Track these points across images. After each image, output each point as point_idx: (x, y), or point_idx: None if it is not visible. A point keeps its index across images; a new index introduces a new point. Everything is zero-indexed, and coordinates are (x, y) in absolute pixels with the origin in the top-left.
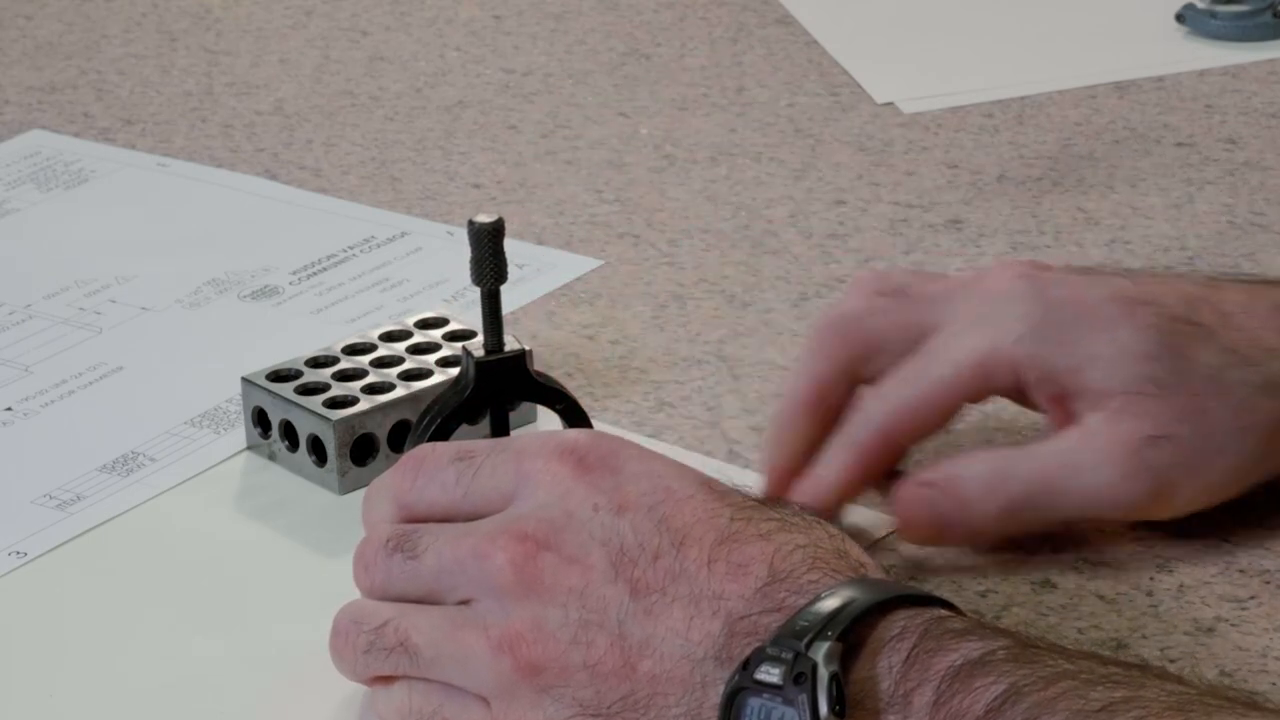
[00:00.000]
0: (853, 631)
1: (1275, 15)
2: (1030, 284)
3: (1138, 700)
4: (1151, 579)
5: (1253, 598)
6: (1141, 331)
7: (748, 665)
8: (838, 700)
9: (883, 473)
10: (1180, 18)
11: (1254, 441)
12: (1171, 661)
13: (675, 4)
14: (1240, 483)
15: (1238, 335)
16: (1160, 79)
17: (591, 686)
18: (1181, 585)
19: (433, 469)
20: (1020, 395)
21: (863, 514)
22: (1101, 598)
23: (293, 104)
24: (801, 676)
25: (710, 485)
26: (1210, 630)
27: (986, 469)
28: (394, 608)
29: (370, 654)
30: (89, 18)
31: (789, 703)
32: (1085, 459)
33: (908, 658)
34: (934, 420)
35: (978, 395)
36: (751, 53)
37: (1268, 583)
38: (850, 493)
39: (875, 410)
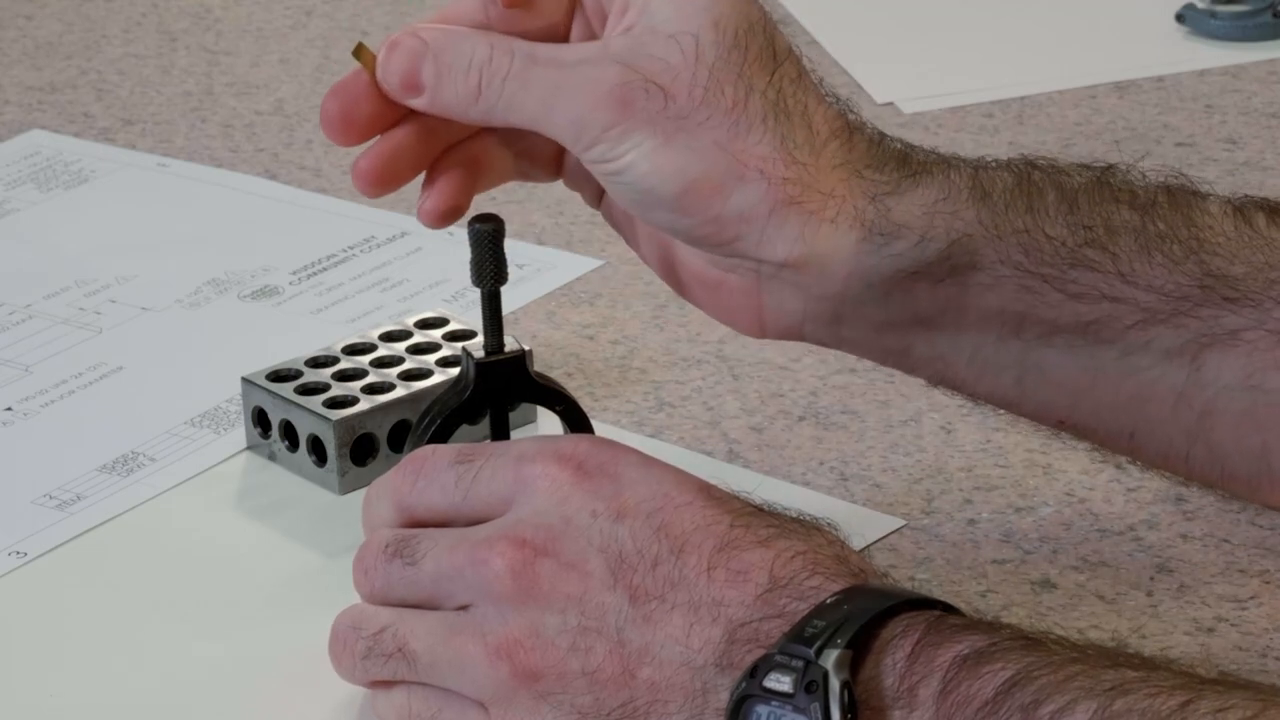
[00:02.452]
0: (859, 638)
1: (1275, 15)
2: None
3: (1149, 680)
4: (1151, 579)
5: (1253, 598)
6: (732, 9)
7: (755, 672)
8: (849, 709)
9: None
10: (1180, 18)
11: (724, 164)
12: (1172, 661)
13: None
14: (685, 194)
15: (791, 82)
16: (1160, 79)
17: (590, 693)
18: (1181, 585)
19: (433, 472)
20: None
21: (863, 514)
22: (1101, 598)
23: (293, 104)
24: (813, 685)
25: (709, 491)
26: (1210, 630)
27: (483, 44)
28: (392, 613)
29: (369, 659)
30: (89, 18)
31: (800, 711)
32: (582, 70)
33: (911, 654)
34: None
35: None
36: None
37: (1268, 583)
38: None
39: None
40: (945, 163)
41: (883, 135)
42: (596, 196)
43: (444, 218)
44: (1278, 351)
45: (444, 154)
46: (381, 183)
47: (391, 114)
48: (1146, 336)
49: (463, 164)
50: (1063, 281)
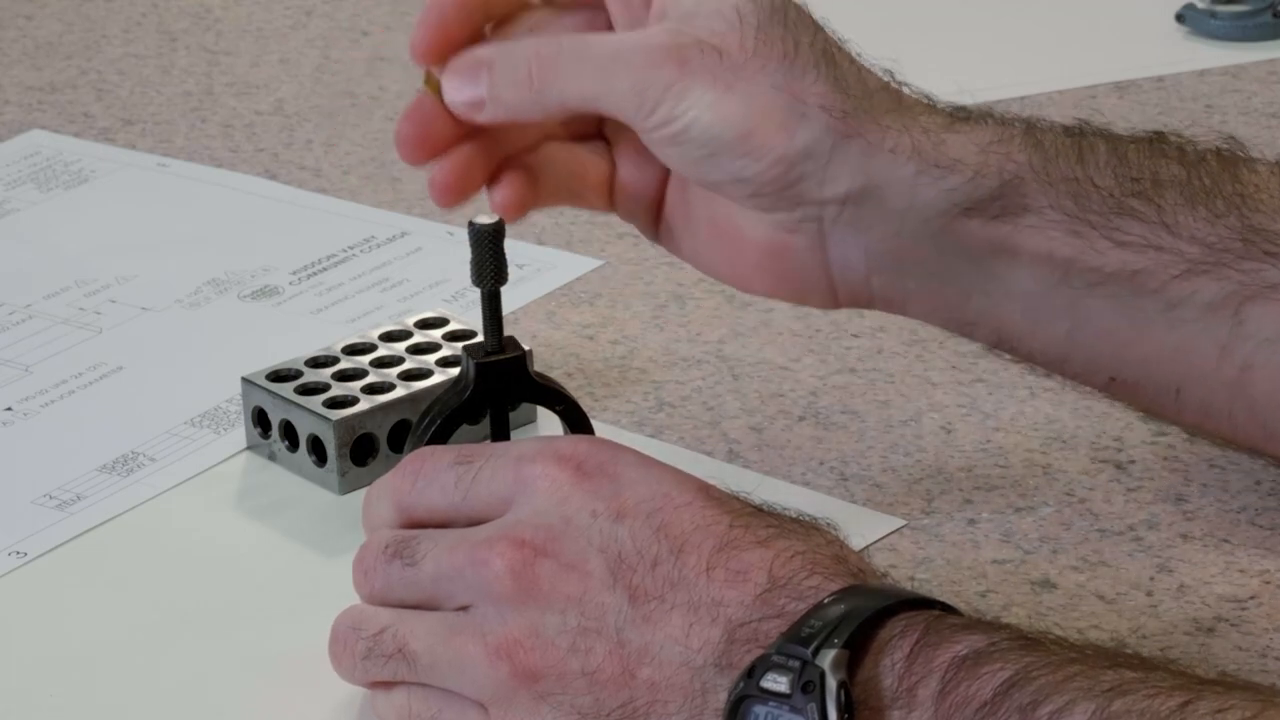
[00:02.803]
0: (856, 638)
1: (1275, 15)
2: None
3: (1148, 680)
4: (1151, 579)
5: (1253, 598)
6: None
7: (752, 673)
8: (846, 709)
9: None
10: (1180, 18)
11: (784, 103)
12: (1171, 662)
13: None
14: (751, 135)
15: (832, 42)
16: (1160, 79)
17: (590, 694)
18: (1181, 585)
19: (432, 472)
20: None
21: (863, 514)
22: (1101, 598)
23: (293, 104)
24: (810, 685)
25: (709, 491)
26: (1210, 630)
27: (531, 41)
28: (392, 614)
29: (369, 660)
30: (89, 18)
31: (797, 711)
32: (635, 41)
33: (909, 654)
34: None
35: None
36: None
37: (1268, 583)
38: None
39: None
40: (998, 115)
41: (930, 96)
42: (652, 221)
43: (514, 209)
44: None
45: (504, 161)
46: (455, 193)
47: (459, 131)
48: (1190, 288)
49: (523, 168)
50: (1109, 229)
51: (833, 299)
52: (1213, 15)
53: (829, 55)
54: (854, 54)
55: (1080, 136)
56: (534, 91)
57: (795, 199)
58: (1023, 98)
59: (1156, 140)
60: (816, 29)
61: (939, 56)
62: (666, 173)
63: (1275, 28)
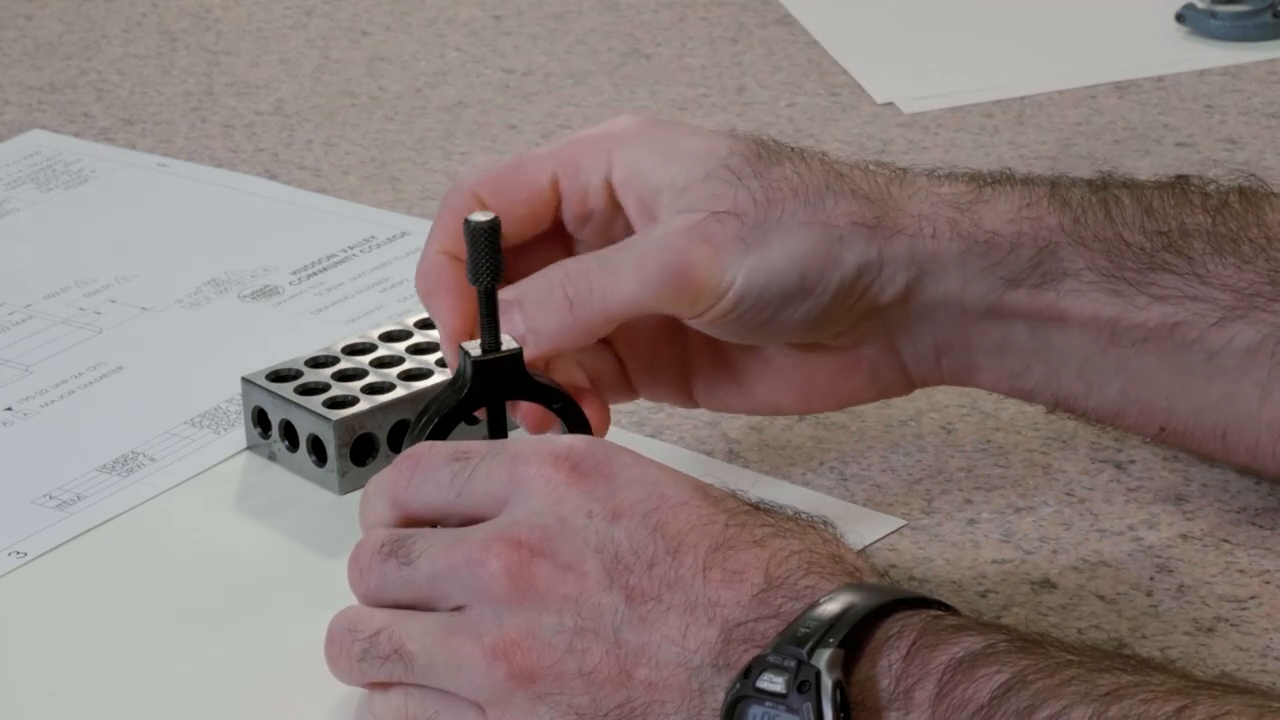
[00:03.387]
0: (853, 637)
1: (1275, 15)
2: (640, 115)
3: (1145, 685)
4: (1151, 579)
5: (1253, 598)
6: (733, 140)
7: (749, 673)
8: (842, 708)
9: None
10: (1180, 18)
11: (820, 234)
12: (1171, 661)
13: (675, 4)
14: (805, 282)
15: (833, 161)
16: (1160, 79)
17: (588, 694)
18: (1181, 585)
19: (428, 469)
20: (616, 206)
21: (863, 514)
22: (1101, 598)
23: (293, 104)
24: (805, 684)
25: (705, 491)
26: (1210, 630)
27: (554, 269)
28: (388, 614)
29: (365, 661)
30: (89, 18)
31: (793, 711)
32: (653, 236)
33: (906, 655)
34: (520, 189)
35: (566, 177)
36: (751, 53)
37: (1268, 583)
38: (451, 251)
39: (467, 173)
40: (1018, 177)
41: (937, 169)
42: (685, 394)
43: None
44: None
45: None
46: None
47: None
48: (1227, 335)
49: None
50: (1145, 284)
51: (908, 388)
52: (1213, 15)
53: (832, 171)
54: (849, 160)
55: (1105, 190)
56: (574, 314)
57: (861, 315)
58: (1023, 98)
59: (1179, 186)
60: (800, 153)
61: (939, 57)
62: (680, 351)
63: (1275, 28)
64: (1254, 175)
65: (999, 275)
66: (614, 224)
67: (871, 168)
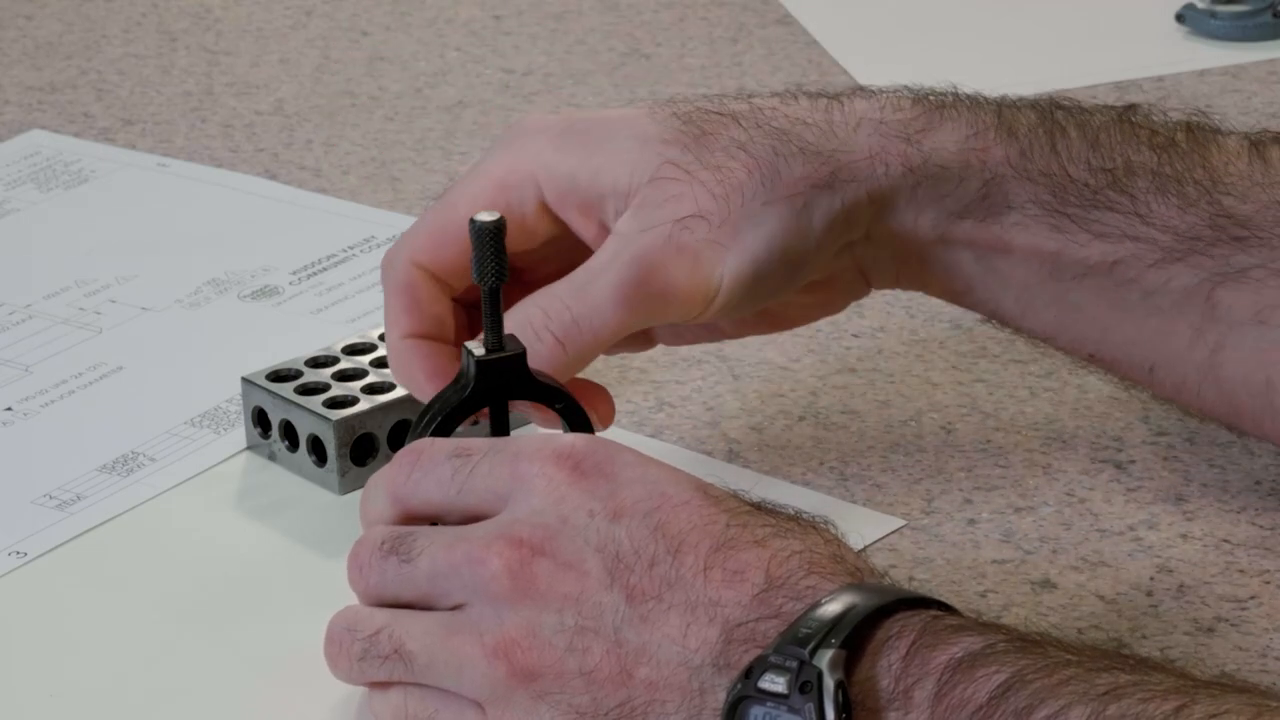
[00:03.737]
0: (854, 637)
1: (1275, 15)
2: (556, 116)
3: (1143, 684)
4: (1151, 579)
5: (1253, 598)
6: (659, 123)
7: (750, 674)
8: (843, 708)
9: (437, 308)
10: (1180, 18)
11: (786, 210)
12: (1171, 661)
13: (675, 4)
14: (787, 258)
15: (767, 114)
16: (1160, 79)
17: (588, 693)
18: (1181, 585)
19: (429, 464)
20: (560, 224)
21: (863, 514)
22: (1101, 598)
23: (293, 104)
24: (807, 685)
25: (706, 490)
26: (1210, 630)
27: (529, 306)
28: (388, 614)
29: (365, 661)
30: (89, 18)
31: (795, 711)
32: (624, 257)
33: (906, 655)
34: (457, 241)
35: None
36: (751, 53)
37: (1268, 583)
38: (418, 332)
39: (398, 246)
40: (964, 99)
41: (879, 89)
42: (645, 338)
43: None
44: None
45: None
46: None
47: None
48: (1165, 276)
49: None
50: (1088, 221)
51: (867, 293)
52: (1213, 15)
53: (772, 131)
54: (768, 107)
55: (1051, 119)
56: (568, 353)
57: (833, 256)
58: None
59: (1126, 118)
60: (731, 117)
61: (938, 57)
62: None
63: (1275, 28)
64: (1201, 112)
65: (947, 207)
66: (564, 240)
67: (803, 102)
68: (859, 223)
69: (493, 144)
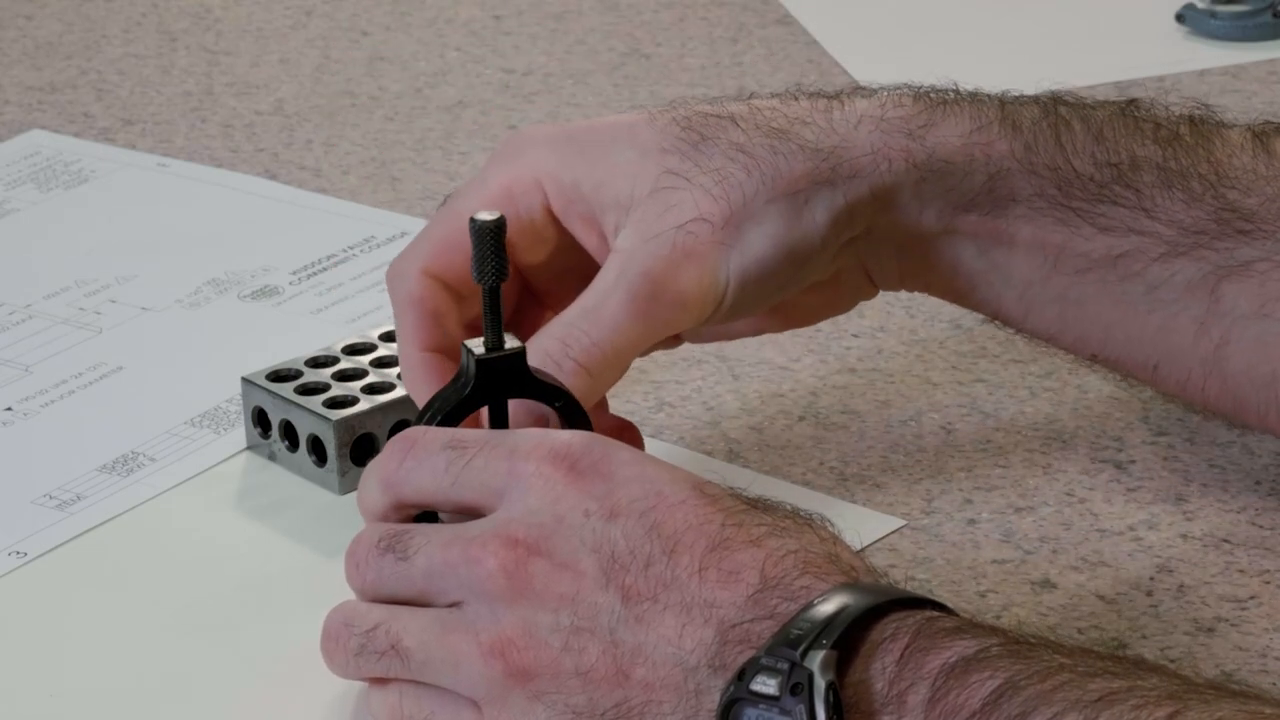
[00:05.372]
0: (847, 638)
1: (1275, 15)
2: (557, 125)
3: (1136, 690)
4: (1151, 579)
5: (1253, 598)
6: (659, 130)
7: (742, 675)
8: (835, 710)
9: (450, 320)
10: (1180, 18)
11: (787, 206)
12: (1171, 661)
13: (675, 4)
14: (791, 255)
15: (767, 114)
16: (1160, 79)
17: (584, 693)
18: (1181, 585)
19: (423, 453)
20: (566, 235)
21: (863, 514)
22: (1101, 598)
23: (293, 104)
24: (798, 686)
25: (703, 489)
26: (1210, 630)
27: (554, 343)
28: (385, 610)
29: (361, 656)
30: (89, 18)
31: (786, 713)
32: (632, 272)
33: (900, 658)
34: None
35: (508, 225)
36: (751, 53)
37: (1268, 583)
38: (434, 346)
39: (405, 258)
40: (966, 95)
41: (879, 87)
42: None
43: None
44: None
45: None
46: None
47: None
48: (1169, 270)
49: None
50: (1093, 215)
51: (873, 294)
52: (1213, 15)
53: (771, 130)
54: (763, 108)
55: (1055, 113)
56: (593, 377)
57: (836, 253)
58: None
59: (1129, 112)
60: (730, 118)
61: (938, 57)
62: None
63: (1275, 28)
64: (1204, 105)
65: (951, 201)
66: (572, 251)
67: (803, 102)
68: (861, 218)
69: (492, 155)
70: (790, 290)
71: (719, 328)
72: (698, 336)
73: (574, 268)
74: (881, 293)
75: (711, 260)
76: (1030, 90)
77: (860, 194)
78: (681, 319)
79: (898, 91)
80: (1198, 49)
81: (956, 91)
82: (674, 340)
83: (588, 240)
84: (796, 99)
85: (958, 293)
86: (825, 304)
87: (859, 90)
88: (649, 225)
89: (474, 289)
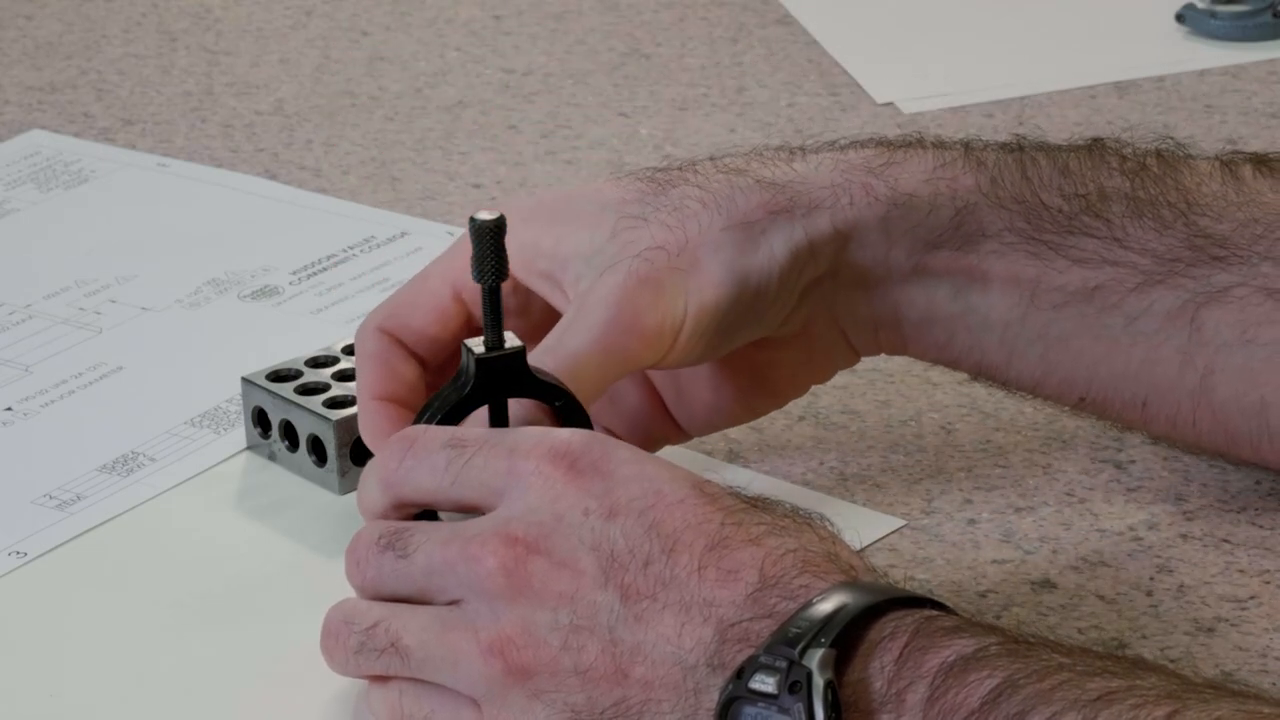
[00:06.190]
0: (845, 636)
1: (1275, 15)
2: (532, 195)
3: (1135, 689)
4: (1151, 579)
5: (1253, 598)
6: (623, 187)
7: (741, 674)
8: (833, 708)
9: (404, 371)
10: (1180, 18)
11: (743, 235)
12: (1171, 661)
13: (675, 4)
14: (748, 286)
15: (728, 162)
16: (1160, 79)
17: (584, 692)
18: (1181, 585)
19: (422, 451)
20: (535, 298)
21: (863, 514)
22: (1101, 598)
23: (293, 104)
24: (796, 685)
25: (702, 488)
26: (1210, 630)
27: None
28: (385, 608)
29: (361, 654)
30: (89, 18)
31: (784, 711)
32: (590, 306)
33: (899, 657)
34: (426, 313)
35: (466, 286)
36: (751, 53)
37: (1268, 583)
38: (387, 395)
39: (370, 314)
40: (929, 140)
41: (843, 140)
42: (670, 428)
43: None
44: (1267, 305)
45: None
46: None
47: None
48: (1147, 300)
49: None
50: (1065, 248)
51: (856, 360)
52: (1213, 15)
53: (729, 170)
54: (746, 154)
55: (1020, 151)
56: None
57: (800, 296)
58: (1023, 98)
59: (1096, 148)
60: (690, 166)
61: (939, 57)
62: (646, 391)
63: (1275, 28)
64: (1170, 138)
65: (920, 237)
66: (530, 307)
67: (765, 153)
68: (824, 256)
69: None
70: (755, 330)
71: (708, 400)
72: (689, 410)
73: (546, 327)
74: None
75: (669, 286)
76: (1030, 90)
77: (821, 228)
78: (641, 348)
79: (859, 140)
80: (1198, 49)
81: (919, 137)
82: (677, 433)
83: (552, 296)
84: (761, 152)
85: (938, 346)
86: (802, 365)
87: (824, 144)
88: (606, 260)
89: (431, 348)
